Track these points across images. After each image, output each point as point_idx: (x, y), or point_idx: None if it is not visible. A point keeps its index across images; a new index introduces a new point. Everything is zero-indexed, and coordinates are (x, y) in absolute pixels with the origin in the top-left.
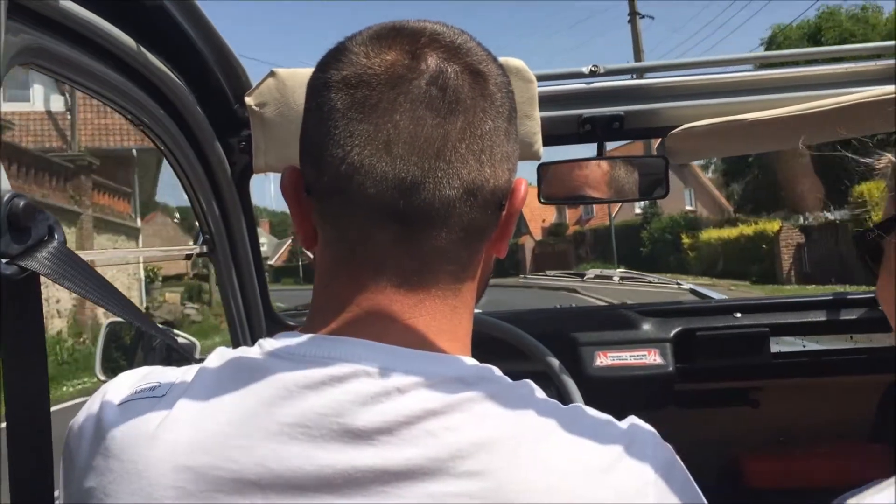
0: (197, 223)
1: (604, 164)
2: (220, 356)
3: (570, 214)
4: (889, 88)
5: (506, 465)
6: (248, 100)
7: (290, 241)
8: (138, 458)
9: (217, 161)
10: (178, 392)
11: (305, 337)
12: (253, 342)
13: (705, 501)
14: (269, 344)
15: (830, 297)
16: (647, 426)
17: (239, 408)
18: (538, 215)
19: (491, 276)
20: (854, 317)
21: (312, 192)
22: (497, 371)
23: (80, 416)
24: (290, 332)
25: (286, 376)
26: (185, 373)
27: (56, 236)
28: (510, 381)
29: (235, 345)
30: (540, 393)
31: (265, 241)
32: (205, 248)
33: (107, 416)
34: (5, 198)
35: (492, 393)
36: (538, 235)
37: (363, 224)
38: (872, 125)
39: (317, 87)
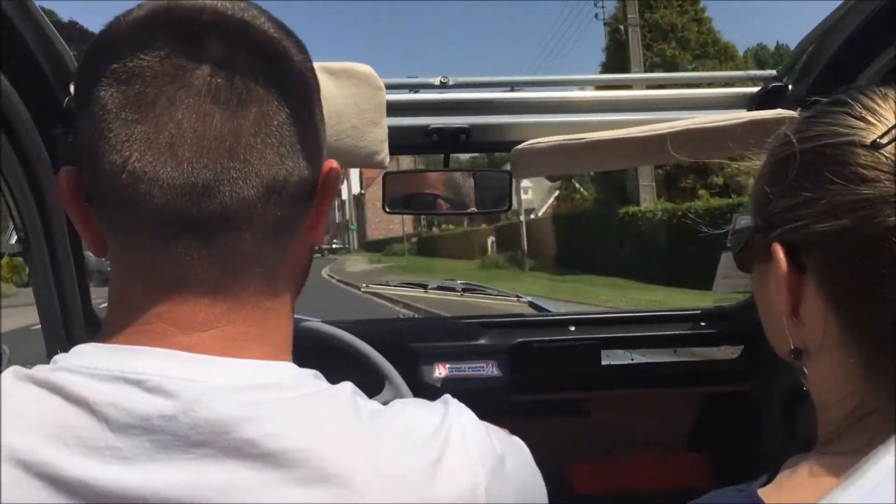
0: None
1: (449, 175)
2: (11, 375)
3: None
4: (722, 115)
5: (338, 472)
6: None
7: (558, 190)
8: None
9: (36, 153)
10: None
11: (102, 349)
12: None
13: (533, 466)
14: (63, 360)
15: (658, 313)
16: (463, 406)
17: (38, 431)
18: None
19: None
20: (678, 332)
21: (93, 202)
22: (317, 375)
23: None
24: (87, 344)
25: (87, 395)
26: None
27: None
28: (329, 384)
29: (50, 353)
30: (360, 395)
31: (529, 185)
32: (18, 248)
33: None
34: None
35: (312, 398)
36: None
37: (155, 236)
38: (704, 151)
39: (84, 82)
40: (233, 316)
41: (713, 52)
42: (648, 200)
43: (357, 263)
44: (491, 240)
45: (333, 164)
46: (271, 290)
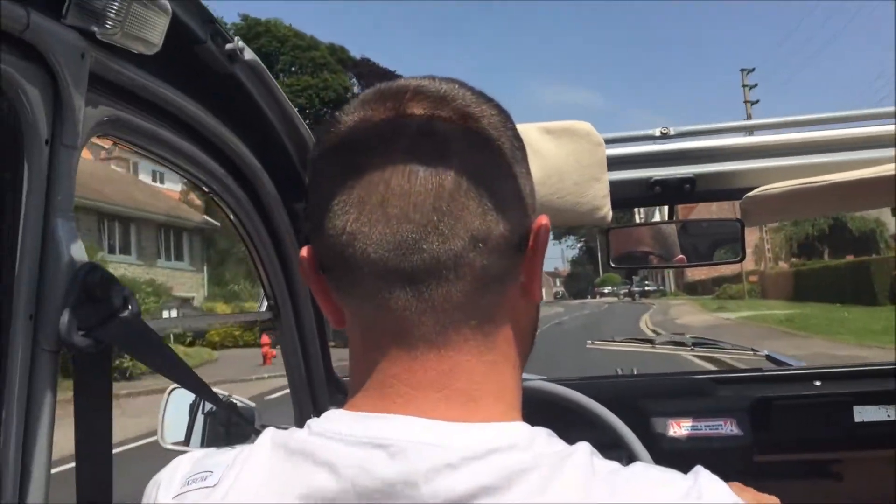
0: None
1: (675, 227)
2: (270, 439)
3: None
4: None
5: None
6: None
7: None
8: None
9: (284, 228)
10: (230, 480)
11: (349, 416)
12: (316, 409)
13: None
14: (316, 425)
15: None
16: (715, 477)
17: (290, 493)
18: None
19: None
20: None
21: (324, 269)
22: (550, 434)
23: None
24: (337, 410)
25: (334, 459)
26: (237, 457)
27: (131, 308)
28: (565, 444)
29: (297, 412)
30: (597, 455)
31: None
32: (269, 315)
33: None
34: (81, 269)
35: (548, 460)
36: None
37: (374, 291)
38: None
39: (313, 160)
40: (459, 373)
41: None
42: None
43: (689, 312)
44: None
45: (544, 220)
46: (490, 344)
